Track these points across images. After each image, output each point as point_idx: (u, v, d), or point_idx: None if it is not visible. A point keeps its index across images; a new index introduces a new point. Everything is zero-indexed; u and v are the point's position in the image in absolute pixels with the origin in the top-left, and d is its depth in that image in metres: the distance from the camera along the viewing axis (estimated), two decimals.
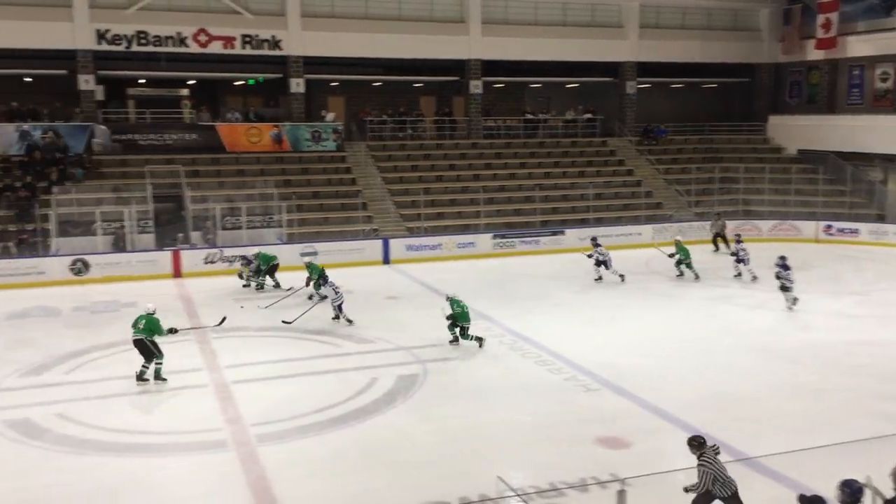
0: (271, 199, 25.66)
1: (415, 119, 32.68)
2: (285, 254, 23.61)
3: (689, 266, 21.63)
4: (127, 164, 26.68)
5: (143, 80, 31.53)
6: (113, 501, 9.15)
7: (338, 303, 17.19)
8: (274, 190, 25.98)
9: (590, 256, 21.32)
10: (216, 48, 28.53)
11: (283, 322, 16.91)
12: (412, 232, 26.59)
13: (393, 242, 24.99)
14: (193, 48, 28.21)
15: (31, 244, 22.69)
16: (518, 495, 8.51)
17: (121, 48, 27.45)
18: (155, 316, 13.30)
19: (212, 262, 22.90)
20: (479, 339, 15.05)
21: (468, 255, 25.36)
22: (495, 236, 26.23)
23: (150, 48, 27.78)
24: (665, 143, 34.52)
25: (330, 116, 30.51)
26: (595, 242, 21.54)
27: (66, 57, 27.14)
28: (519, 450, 10.64)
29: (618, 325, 16.92)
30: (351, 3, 30.37)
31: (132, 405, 12.23)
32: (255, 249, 21.53)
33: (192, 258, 22.84)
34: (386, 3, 30.82)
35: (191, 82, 32.33)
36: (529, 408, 12.06)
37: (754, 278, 20.97)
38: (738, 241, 21.93)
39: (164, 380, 13.15)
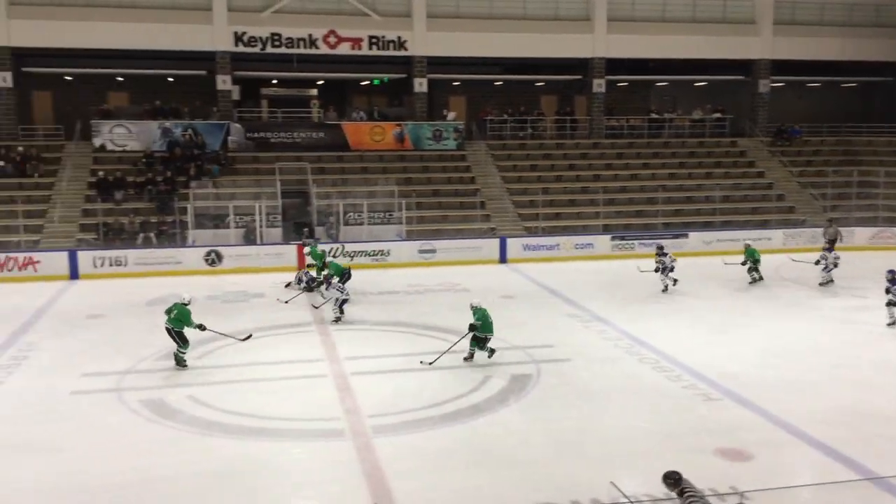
0: (392, 196, 26.18)
1: (535, 118, 32.53)
2: (405, 251, 24.13)
3: (756, 270, 20.88)
4: (259, 161, 27.92)
5: (276, 81, 32.92)
6: (235, 482, 9.58)
7: (341, 302, 17.16)
8: (395, 188, 26.50)
9: (656, 270, 20.24)
10: (344, 49, 29.43)
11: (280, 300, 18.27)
12: (530, 231, 26.50)
13: (510, 242, 24.99)
14: (323, 49, 29.20)
15: (170, 235, 24.12)
16: (631, 502, 8.32)
17: (256, 50, 28.77)
18: (188, 307, 13.96)
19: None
20: (492, 351, 14.26)
21: (586, 256, 25.03)
22: (614, 238, 25.76)
23: (283, 50, 28.99)
24: (799, 144, 32.92)
25: (451, 116, 30.83)
26: (661, 251, 20.37)
27: (205, 58, 28.71)
28: (633, 456, 10.40)
29: (743, 333, 16.24)
30: (476, 3, 30.58)
31: (256, 391, 12.75)
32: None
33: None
34: (511, 2, 30.86)
35: (319, 82, 33.46)
36: (646, 414, 11.78)
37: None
38: (829, 249, 20.66)
39: (185, 366, 13.78)
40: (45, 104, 30.44)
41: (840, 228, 25.20)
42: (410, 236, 25.29)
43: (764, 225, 27.49)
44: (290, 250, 23.61)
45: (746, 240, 22.79)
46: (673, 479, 7.53)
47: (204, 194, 25.51)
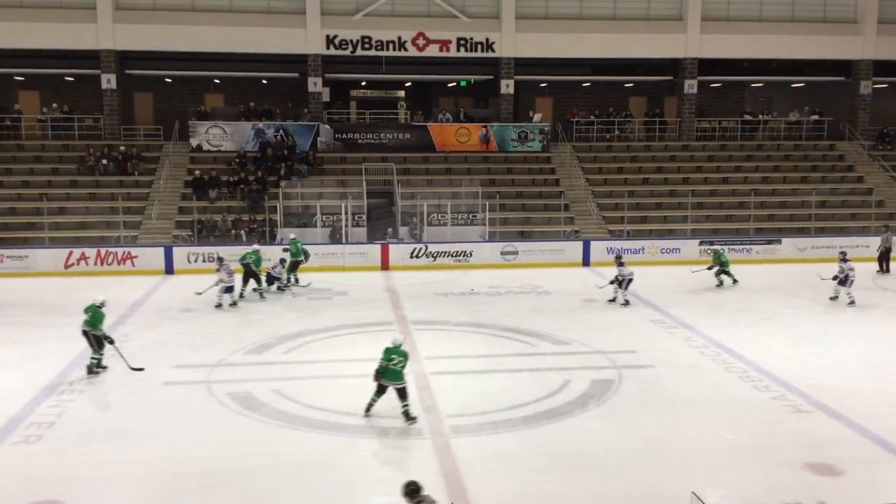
0: (476, 197, 26.23)
1: (623, 120, 32.02)
2: (487, 252, 24.14)
3: (726, 273, 20.85)
4: (346, 162, 28.44)
5: (365, 83, 33.48)
6: (317, 475, 9.79)
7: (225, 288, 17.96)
8: (479, 189, 26.54)
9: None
10: (433, 51, 29.67)
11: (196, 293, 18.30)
12: (614, 235, 26.10)
13: (594, 245, 24.67)
14: (412, 51, 29.53)
15: (260, 233, 24.82)
16: None
17: (346, 52, 29.34)
18: (102, 310, 13.44)
19: (416, 257, 23.83)
20: (410, 418, 11.29)
21: (672, 261, 24.44)
22: (702, 242, 25.08)
23: (373, 52, 29.45)
24: None
25: (537, 117, 30.67)
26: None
27: (298, 61, 29.47)
28: (717, 467, 10.11)
29: (837, 345, 15.56)
30: (565, 4, 30.39)
31: (339, 387, 12.98)
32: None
33: (398, 252, 23.90)
34: (601, 2, 30.51)
35: (407, 84, 33.84)
36: (731, 424, 11.43)
37: (851, 303, 18.64)
38: (844, 260, 18.94)
39: (96, 373, 13.21)
40: (146, 105, 31.86)
41: None
42: (493, 238, 25.28)
43: (863, 231, 26.25)
44: (375, 249, 23.95)
45: (716, 245, 22.80)
46: (410, 490, 7.35)
47: (293, 193, 26.16)
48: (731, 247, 24.89)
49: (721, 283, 20.95)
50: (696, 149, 31.01)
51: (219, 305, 18.16)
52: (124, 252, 22.83)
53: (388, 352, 11.37)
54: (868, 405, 12.09)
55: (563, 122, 31.41)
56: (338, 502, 9.22)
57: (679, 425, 11.49)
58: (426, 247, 24.02)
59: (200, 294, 18.45)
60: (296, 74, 30.26)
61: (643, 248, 24.75)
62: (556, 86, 33.86)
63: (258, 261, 19.48)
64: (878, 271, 23.04)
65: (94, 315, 13.34)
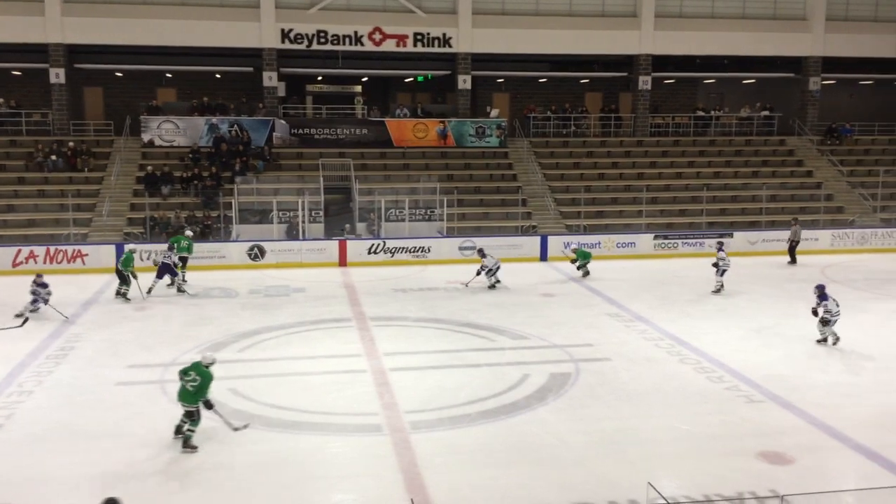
0: (434, 193, 26.23)
1: (579, 115, 32.29)
2: (445, 248, 24.15)
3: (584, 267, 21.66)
4: (303, 157, 28.20)
5: (321, 78, 33.20)
6: (275, 475, 9.70)
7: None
8: (437, 184, 26.54)
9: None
10: (389, 46, 29.56)
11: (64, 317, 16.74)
12: (571, 230, 26.32)
13: (551, 239, 24.85)
14: (368, 46, 29.37)
15: (215, 230, 24.49)
16: None
17: (302, 47, 29.06)
18: (132, 254, 14.44)
19: (374, 253, 23.74)
20: (189, 447, 10.28)
21: (628, 255, 24.78)
22: (657, 237, 25.45)
23: (329, 47, 29.23)
24: (850, 143, 32.15)
25: (494, 112, 30.77)
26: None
27: (252, 55, 29.11)
28: (673, 458, 10.27)
29: (788, 336, 15.90)
30: (522, 0, 30.43)
31: (296, 385, 12.89)
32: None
33: (356, 248, 23.77)
34: None
35: (364, 79, 33.66)
36: (686, 415, 11.62)
37: (718, 290, 19.71)
38: (720, 250, 20.29)
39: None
40: (96, 100, 31.16)
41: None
42: (451, 233, 25.30)
43: (812, 225, 26.89)
44: (332, 245, 23.78)
45: (578, 243, 23.19)
46: None
47: (248, 190, 25.86)
48: (685, 241, 25.32)
49: (587, 274, 21.74)
50: (651, 144, 31.42)
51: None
52: (74, 250, 22.32)
53: (184, 370, 10.55)
54: (818, 395, 12.39)
55: (521, 118, 31.56)
56: (298, 500, 9.14)
57: (635, 417, 11.63)
58: (384, 243, 23.95)
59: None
60: (250, 69, 29.88)
61: (599, 243, 24.98)
62: (513, 81, 34.01)
63: (127, 260, 18.71)
64: (788, 262, 23.95)
65: (127, 257, 16.16)
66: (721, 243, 20.94)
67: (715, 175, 29.72)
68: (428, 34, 29.80)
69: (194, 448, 10.22)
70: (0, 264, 21.75)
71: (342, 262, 23.56)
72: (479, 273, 20.26)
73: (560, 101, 33.07)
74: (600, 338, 15.64)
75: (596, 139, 31.76)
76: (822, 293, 15.08)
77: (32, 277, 17.27)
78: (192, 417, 10.32)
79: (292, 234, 24.70)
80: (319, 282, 21.11)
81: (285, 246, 23.74)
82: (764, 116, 32.87)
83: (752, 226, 26.95)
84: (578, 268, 21.85)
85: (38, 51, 27.70)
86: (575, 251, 22.11)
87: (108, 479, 9.45)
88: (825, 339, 15.11)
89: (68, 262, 22.04)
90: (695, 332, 16.07)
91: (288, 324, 16.71)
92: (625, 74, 32.63)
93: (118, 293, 18.80)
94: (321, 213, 25.41)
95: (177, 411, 11.70)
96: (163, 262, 19.38)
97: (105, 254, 22.23)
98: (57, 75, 27.96)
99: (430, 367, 13.97)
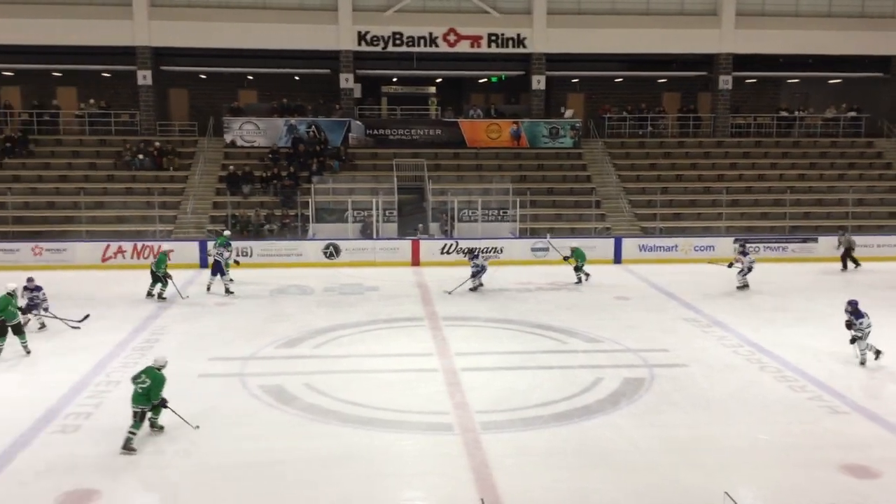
0: (506, 194, 26.18)
1: (656, 116, 31.73)
2: (517, 249, 24.09)
3: (581, 269, 21.06)
4: (377, 158, 28.55)
5: (396, 79, 33.55)
6: (347, 470, 9.84)
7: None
8: (509, 185, 26.48)
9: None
10: (464, 47, 29.66)
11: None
12: (646, 232, 25.91)
13: (626, 242, 24.51)
14: (443, 48, 29.53)
15: (292, 228, 25.02)
16: None
17: (378, 49, 29.44)
18: (6, 296, 13.90)
19: (447, 253, 23.84)
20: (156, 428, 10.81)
21: (706, 258, 24.19)
22: (737, 240, 24.77)
23: (404, 48, 29.51)
24: None
25: (568, 113, 30.53)
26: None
27: (330, 57, 29.62)
28: (751, 468, 10.00)
29: (875, 345, 15.25)
30: None
31: (369, 382, 13.06)
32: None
33: (429, 248, 23.92)
34: None
35: (438, 80, 33.86)
36: (766, 424, 11.29)
37: (742, 286, 19.90)
38: (744, 253, 20.27)
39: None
40: (181, 101, 32.23)
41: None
42: (523, 234, 25.22)
43: None
44: (405, 245, 24.00)
45: (574, 244, 22.30)
46: None
47: (324, 189, 26.33)
48: (767, 245, 24.60)
49: (580, 280, 21.20)
50: (731, 145, 30.65)
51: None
52: (159, 246, 23.09)
53: (136, 375, 10.67)
54: None
55: (595, 118, 31.22)
56: (368, 496, 9.27)
57: (712, 425, 11.38)
58: (457, 243, 24.03)
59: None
60: (328, 71, 30.41)
61: (676, 246, 24.53)
62: (589, 81, 33.65)
63: (160, 262, 18.61)
64: (842, 270, 23.14)
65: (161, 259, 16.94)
66: (744, 245, 20.86)
67: (799, 177, 28.77)
68: (502, 35, 29.78)
69: (133, 450, 10.18)
70: (90, 259, 22.71)
71: (415, 261, 23.75)
72: (473, 276, 20.02)
73: (636, 101, 32.55)
74: (676, 343, 15.35)
75: (673, 140, 31.16)
76: (855, 309, 13.91)
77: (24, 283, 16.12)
78: (136, 418, 10.37)
79: (366, 233, 25.03)
80: (392, 281, 21.34)
81: (359, 245, 24.08)
82: (851, 117, 31.66)
83: (838, 230, 25.95)
84: (576, 269, 21.08)
85: (126, 53, 28.80)
86: (573, 250, 21.29)
87: (187, 469, 9.78)
88: (864, 360, 13.86)
89: (154, 257, 22.76)
90: (776, 339, 15.59)
91: (361, 321, 16.95)
92: (704, 74, 31.92)
93: (149, 293, 18.84)
94: (395, 212, 25.68)
95: (252, 403, 12.02)
96: (215, 260, 19.75)
97: (189, 250, 22.96)
98: (144, 77, 29.02)
99: (501, 367, 13.96)
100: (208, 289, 19.58)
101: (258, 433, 10.92)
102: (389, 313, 17.75)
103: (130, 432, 10.31)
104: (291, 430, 11.07)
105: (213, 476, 9.61)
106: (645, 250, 24.47)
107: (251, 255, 23.22)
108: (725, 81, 30.89)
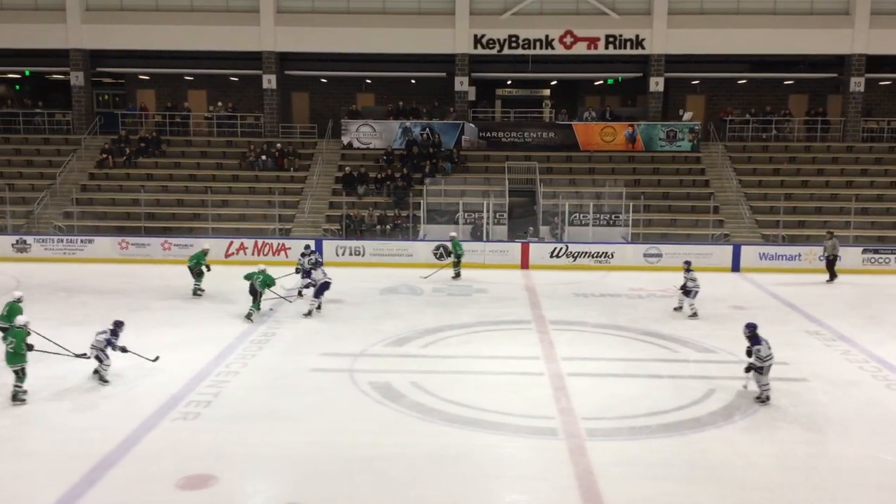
0: (619, 198, 25.71)
1: (781, 119, 30.39)
2: (629, 254, 23.64)
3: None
4: (489, 160, 28.65)
5: (510, 82, 33.57)
6: (450, 469, 9.94)
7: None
8: (623, 189, 26.01)
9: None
10: (580, 49, 29.37)
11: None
12: (768, 240, 24.85)
13: (745, 249, 23.60)
14: (559, 50, 29.35)
15: (404, 229, 25.46)
16: None
17: (493, 52, 29.55)
18: (18, 304, 13.85)
19: (556, 257, 23.64)
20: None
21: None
22: (866, 251, 23.42)
23: (519, 51, 29.49)
24: None
25: (687, 116, 29.68)
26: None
27: (446, 61, 29.98)
28: (875, 489, 9.44)
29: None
30: None
31: (475, 383, 13.12)
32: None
33: (539, 251, 23.80)
34: None
35: (553, 83, 33.64)
36: (891, 445, 10.64)
37: (693, 315, 17.57)
38: (688, 270, 17.91)
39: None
40: (302, 104, 33.40)
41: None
42: (636, 239, 24.70)
43: None
44: (515, 248, 23.98)
45: (451, 232, 22.83)
46: None
47: (436, 191, 26.65)
48: None
49: (457, 276, 21.23)
50: (862, 150, 29.00)
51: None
52: (279, 244, 24.06)
53: (3, 337, 11.98)
54: None
55: (716, 121, 30.24)
56: (471, 496, 9.32)
57: (832, 443, 10.81)
58: (567, 247, 23.80)
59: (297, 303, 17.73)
60: (443, 74, 30.78)
61: (800, 255, 23.42)
62: (709, 83, 32.61)
63: (265, 281, 17.40)
64: (827, 281, 21.82)
65: (12, 309, 13.62)
66: (688, 262, 18.36)
67: None
68: (620, 36, 29.29)
69: (23, 400, 11.81)
70: (214, 255, 23.77)
71: (524, 264, 23.69)
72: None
73: (760, 103, 31.30)
74: (797, 356, 14.64)
75: (799, 144, 29.78)
76: (753, 333, 12.23)
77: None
78: (18, 376, 11.90)
79: (476, 235, 25.15)
80: (501, 283, 21.35)
81: (469, 247, 24.16)
82: None
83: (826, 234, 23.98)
84: (454, 265, 21.08)
85: (253, 58, 30.10)
86: (454, 243, 21.32)
87: (297, 461, 10.13)
88: (763, 398, 12.12)
89: (273, 254, 23.77)
90: None
91: (469, 323, 17.06)
92: (834, 75, 30.34)
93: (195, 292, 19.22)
94: (505, 215, 25.69)
95: (361, 399, 12.32)
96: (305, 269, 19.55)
97: (298, 247, 23.67)
98: (269, 81, 30.24)
99: (608, 374, 13.74)
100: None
101: (366, 428, 11.17)
102: (497, 315, 17.79)
103: (17, 386, 11.90)
104: (398, 427, 11.27)
105: (327, 468, 9.90)
106: (765, 259, 23.47)
107: (363, 255, 23.82)
108: (857, 83, 29.26)
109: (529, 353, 14.89)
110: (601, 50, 29.41)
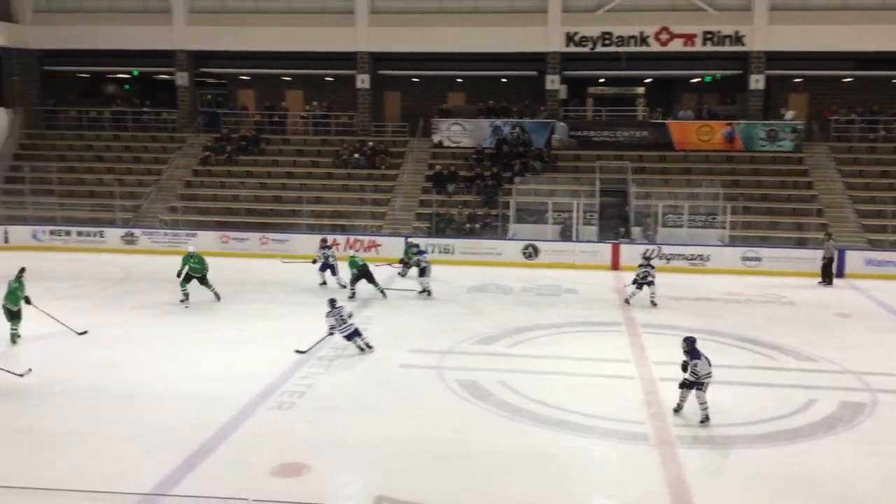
0: (716, 198, 24.99)
1: (891, 118, 28.89)
2: (726, 257, 22.97)
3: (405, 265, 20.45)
4: (580, 159, 28.32)
5: (603, 80, 33.09)
6: (537, 469, 9.89)
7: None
8: (720, 190, 25.26)
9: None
10: (676, 46, 28.69)
11: (297, 351, 14.44)
12: (875, 245, 23.68)
13: (850, 254, 22.55)
14: (654, 47, 28.74)
15: (493, 228, 25.47)
16: None
17: (586, 49, 29.18)
18: (14, 284, 14.99)
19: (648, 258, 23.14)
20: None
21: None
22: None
23: (613, 48, 29.02)
24: None
25: (789, 115, 28.59)
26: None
27: (537, 59, 29.79)
28: None
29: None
30: None
31: (563, 384, 13.01)
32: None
33: (630, 252, 23.39)
34: None
35: (647, 80, 32.98)
36: None
37: (653, 304, 18.24)
38: (646, 262, 18.68)
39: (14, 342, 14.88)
40: (394, 103, 33.82)
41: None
42: (733, 242, 23.94)
43: None
44: (605, 249, 23.65)
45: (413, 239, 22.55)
46: None
47: (526, 190, 26.54)
48: None
49: (404, 275, 20.84)
50: None
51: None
52: (370, 240, 24.47)
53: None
54: None
55: (819, 121, 29.01)
56: (556, 497, 9.26)
57: None
58: (660, 248, 23.29)
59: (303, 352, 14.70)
60: (534, 72, 30.60)
61: None
62: (813, 81, 31.28)
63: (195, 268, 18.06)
64: (819, 282, 21.17)
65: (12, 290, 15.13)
66: (649, 258, 19.49)
67: None
68: (718, 32, 28.45)
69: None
70: (308, 250, 24.35)
71: (615, 265, 23.33)
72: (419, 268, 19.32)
73: (867, 102, 29.81)
74: None
75: None
76: (692, 347, 11.41)
77: None
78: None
79: (566, 235, 24.93)
80: (591, 284, 21.10)
81: (559, 247, 24.05)
82: None
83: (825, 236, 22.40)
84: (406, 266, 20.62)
85: (347, 59, 30.67)
86: (409, 247, 20.80)
87: (385, 454, 10.29)
88: (680, 408, 11.58)
89: (364, 251, 24.17)
90: None
91: (558, 323, 16.93)
92: None
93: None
94: (596, 215, 25.35)
95: (449, 396, 12.41)
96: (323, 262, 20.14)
97: (396, 245, 24.07)
98: (363, 81, 30.76)
99: None
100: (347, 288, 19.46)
101: (453, 425, 11.24)
102: (586, 316, 17.59)
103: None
104: (484, 426, 11.29)
105: (414, 463, 10.02)
106: (872, 265, 22.38)
107: (453, 253, 23.94)
108: None
109: (620, 355, 14.66)
110: (698, 47, 28.64)
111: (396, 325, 16.74)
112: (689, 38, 28.59)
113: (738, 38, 28.40)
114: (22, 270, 15.44)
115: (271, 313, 17.46)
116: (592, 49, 29.18)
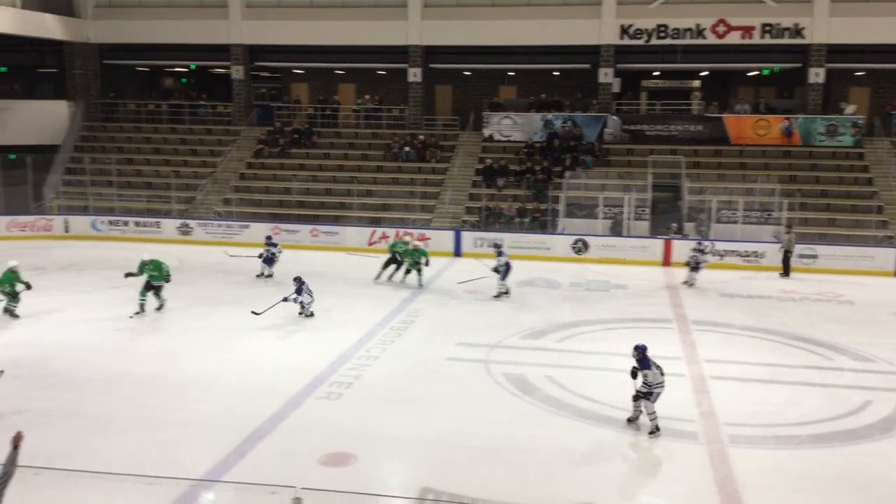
0: (772, 194, 24.45)
1: None
2: (780, 253, 22.48)
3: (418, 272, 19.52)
4: (632, 154, 27.97)
5: (657, 73, 32.60)
6: (583, 465, 9.87)
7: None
8: (776, 185, 24.71)
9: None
10: (733, 38, 28.11)
11: (253, 313, 16.12)
12: None
13: None
14: (710, 39, 28.21)
15: (542, 222, 25.35)
16: None
17: (640, 42, 28.78)
18: (9, 272, 16.07)
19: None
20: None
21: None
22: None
23: (668, 41, 28.56)
24: None
25: (850, 109, 27.79)
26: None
27: (590, 52, 29.45)
28: None
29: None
30: None
31: (612, 380, 12.84)
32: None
33: (682, 248, 23.01)
34: None
35: (703, 73, 32.40)
36: None
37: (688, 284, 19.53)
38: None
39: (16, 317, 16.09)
40: (445, 97, 33.85)
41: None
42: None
43: None
44: (657, 244, 23.34)
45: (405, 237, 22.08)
46: None
47: (576, 184, 26.32)
48: None
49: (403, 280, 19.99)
50: None
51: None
52: (419, 234, 24.57)
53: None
54: None
55: (882, 115, 28.12)
56: (603, 494, 9.21)
57: None
58: (713, 244, 22.89)
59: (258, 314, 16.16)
60: (587, 65, 30.27)
61: None
62: (875, 74, 30.33)
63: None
64: (781, 275, 21.30)
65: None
66: (700, 243, 20.61)
67: None
68: (777, 24, 27.78)
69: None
70: (358, 242, 24.72)
71: (666, 261, 23.02)
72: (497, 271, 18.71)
73: None
74: None
75: None
76: (642, 356, 10.84)
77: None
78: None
79: (616, 230, 24.68)
80: (641, 280, 20.88)
81: (609, 242, 23.82)
82: None
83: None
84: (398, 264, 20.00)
85: (399, 52, 30.78)
86: (393, 245, 20.57)
87: (432, 446, 10.36)
88: (635, 418, 11.01)
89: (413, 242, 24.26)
90: None
91: (606, 319, 16.80)
92: None
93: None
94: (647, 210, 25.02)
95: (495, 390, 12.43)
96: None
97: (445, 238, 24.15)
98: (414, 75, 30.86)
99: (754, 379, 13.15)
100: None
101: (499, 419, 11.27)
102: (636, 313, 17.41)
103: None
104: (531, 420, 11.29)
105: (460, 456, 10.06)
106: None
107: (502, 247, 23.84)
108: None
109: (670, 352, 14.42)
110: (756, 39, 28.01)
111: (444, 318, 16.81)
112: (747, 31, 27.98)
113: (797, 31, 27.70)
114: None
115: (322, 305, 17.67)
116: (647, 42, 28.78)
